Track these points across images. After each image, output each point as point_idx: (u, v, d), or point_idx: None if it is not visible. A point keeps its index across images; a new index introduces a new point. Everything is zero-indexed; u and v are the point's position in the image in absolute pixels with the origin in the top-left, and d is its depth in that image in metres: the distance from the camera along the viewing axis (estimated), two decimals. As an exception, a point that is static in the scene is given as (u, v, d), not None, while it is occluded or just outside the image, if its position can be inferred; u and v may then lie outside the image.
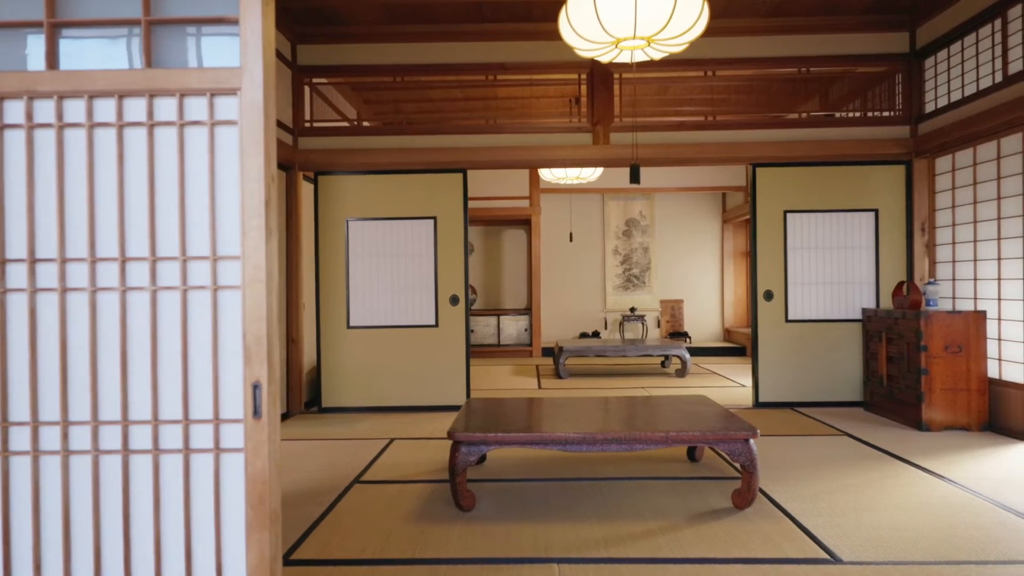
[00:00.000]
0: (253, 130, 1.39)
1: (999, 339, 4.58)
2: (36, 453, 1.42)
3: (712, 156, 5.57)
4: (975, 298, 4.83)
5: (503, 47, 5.64)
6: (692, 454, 3.93)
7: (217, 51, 1.45)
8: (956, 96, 5.03)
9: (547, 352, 9.71)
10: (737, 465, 3.70)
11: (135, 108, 1.44)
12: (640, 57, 3.73)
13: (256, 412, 1.40)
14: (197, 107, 1.44)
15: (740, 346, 9.60)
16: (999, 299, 4.58)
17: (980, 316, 4.61)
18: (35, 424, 1.42)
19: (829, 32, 5.54)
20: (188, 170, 1.44)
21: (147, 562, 1.44)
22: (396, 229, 5.66)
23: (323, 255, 5.66)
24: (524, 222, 10.32)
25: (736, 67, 5.62)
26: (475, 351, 9.77)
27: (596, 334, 10.17)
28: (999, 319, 4.58)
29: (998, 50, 4.58)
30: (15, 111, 1.41)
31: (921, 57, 5.43)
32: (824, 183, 5.59)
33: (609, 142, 5.62)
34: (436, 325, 5.67)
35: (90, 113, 1.43)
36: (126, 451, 1.43)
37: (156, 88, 1.41)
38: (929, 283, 4.90)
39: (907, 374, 4.79)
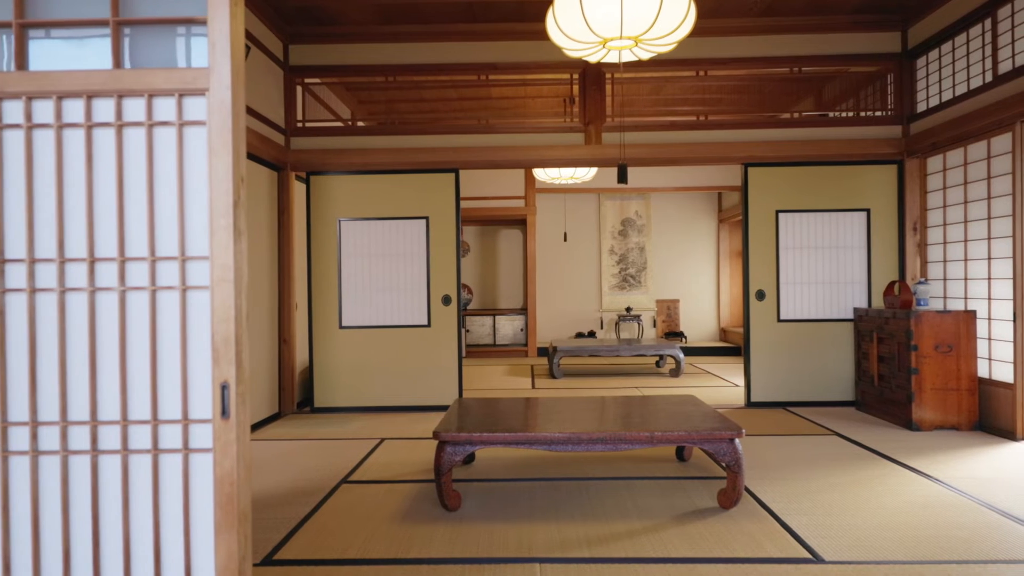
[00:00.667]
0: (221, 130, 1.39)
1: (989, 339, 4.58)
2: (5, 453, 1.42)
3: (704, 156, 5.58)
4: (965, 297, 4.84)
5: (495, 47, 5.64)
6: (681, 454, 3.93)
7: (186, 52, 1.45)
8: (947, 96, 5.03)
9: (542, 352, 9.71)
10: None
11: (104, 109, 1.44)
12: (628, 57, 3.74)
13: (224, 412, 1.40)
14: (166, 107, 1.44)
15: (736, 346, 9.60)
16: (989, 299, 4.58)
17: (970, 316, 4.61)
18: (3, 424, 1.42)
19: (821, 32, 5.54)
20: (157, 170, 1.44)
21: (116, 562, 1.44)
22: (388, 229, 5.67)
23: (315, 255, 5.66)
24: (520, 222, 10.33)
25: (728, 67, 5.63)
26: (471, 351, 9.78)
27: (592, 334, 10.17)
28: (989, 318, 4.58)
29: (988, 50, 4.58)
30: (-16, 112, 1.41)
31: (913, 57, 5.43)
32: (816, 183, 5.59)
33: (601, 142, 5.62)
34: (428, 325, 5.67)
35: (59, 114, 1.43)
36: (95, 451, 1.43)
37: (124, 89, 1.42)
38: (919, 283, 4.90)
39: (898, 373, 4.79)
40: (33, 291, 1.43)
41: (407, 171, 5.66)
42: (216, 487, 1.41)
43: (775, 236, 5.59)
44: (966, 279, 4.83)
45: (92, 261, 1.43)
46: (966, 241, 4.82)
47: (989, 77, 4.56)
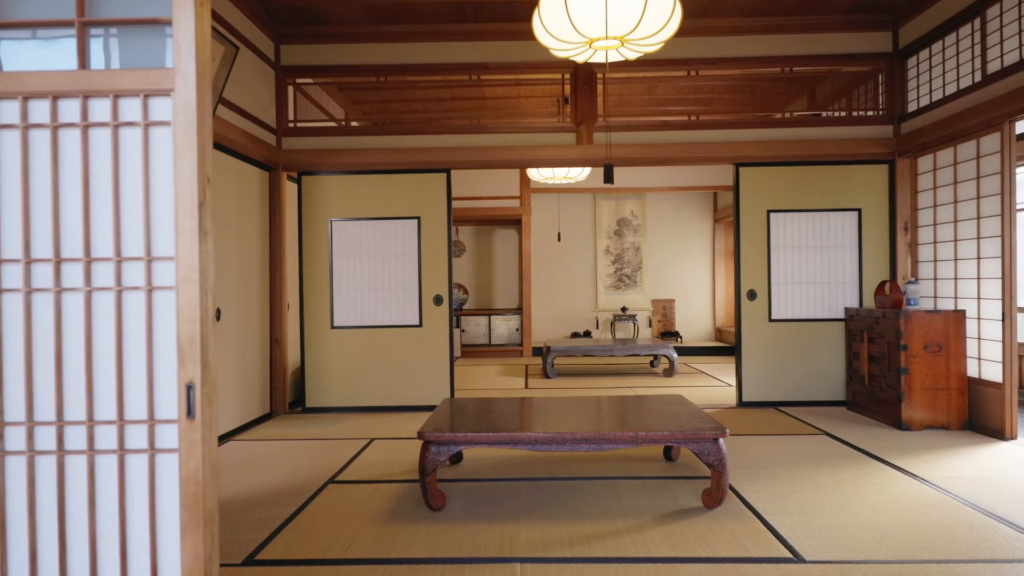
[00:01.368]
0: (186, 131, 1.39)
1: (979, 338, 4.58)
2: (-29, 454, 1.42)
3: (696, 156, 5.58)
4: (955, 297, 4.84)
5: (486, 47, 5.64)
6: (668, 453, 3.93)
7: (152, 52, 1.45)
8: (938, 96, 5.03)
9: (538, 352, 9.71)
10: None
11: (70, 109, 1.44)
12: (615, 57, 3.74)
13: (190, 413, 1.40)
14: (131, 108, 1.44)
15: (731, 345, 9.60)
16: (978, 298, 4.58)
17: (959, 315, 4.61)
18: (-31, 425, 1.42)
19: (813, 32, 5.54)
20: (123, 171, 1.45)
21: (83, 562, 1.44)
22: (380, 229, 5.67)
23: (307, 255, 5.67)
24: (515, 222, 10.33)
25: (720, 67, 5.63)
26: (466, 351, 9.78)
27: (588, 334, 10.17)
28: (979, 318, 4.58)
29: (977, 49, 4.58)
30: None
31: (904, 57, 5.43)
32: (808, 182, 5.59)
33: (592, 142, 5.62)
34: (420, 325, 5.67)
35: (24, 114, 1.43)
36: (61, 452, 1.43)
37: (89, 89, 1.42)
38: (909, 282, 4.90)
39: (888, 373, 4.79)
40: (-1, 292, 1.43)
41: (399, 171, 5.66)
42: (182, 487, 1.41)
43: (766, 236, 5.59)
44: (956, 279, 4.83)
45: (58, 262, 1.43)
46: (956, 241, 4.82)
47: (978, 77, 4.56)
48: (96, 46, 1.46)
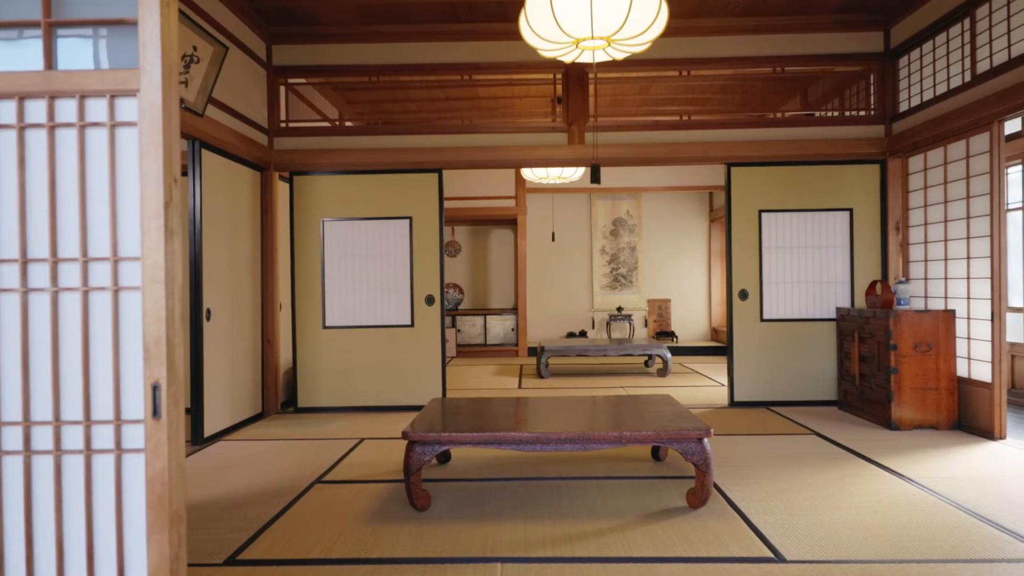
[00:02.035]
0: (152, 131, 1.40)
1: (968, 338, 4.58)
2: (-62, 454, 1.43)
3: (687, 156, 5.58)
4: (946, 297, 4.84)
5: (478, 47, 5.65)
6: (656, 453, 3.93)
7: (120, 53, 1.45)
8: (928, 96, 5.03)
9: (533, 352, 9.71)
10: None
11: (36, 110, 1.44)
12: (602, 57, 3.74)
13: (156, 413, 1.40)
14: (98, 109, 1.44)
15: (726, 345, 9.59)
16: (968, 298, 4.58)
17: (949, 315, 4.61)
18: (-64, 425, 1.42)
19: (804, 31, 5.54)
20: (90, 171, 1.45)
21: (50, 562, 1.44)
22: (372, 229, 5.67)
23: (299, 255, 5.67)
24: (511, 222, 10.33)
25: (712, 67, 5.63)
26: (461, 351, 9.78)
27: (583, 334, 10.17)
28: (968, 318, 4.58)
29: (967, 49, 4.58)
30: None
31: (895, 56, 5.43)
32: (799, 182, 5.59)
33: (584, 142, 5.62)
34: (412, 325, 5.67)
35: (-9, 115, 1.43)
36: (28, 452, 1.44)
37: (56, 90, 1.42)
38: (900, 282, 4.89)
39: (878, 373, 4.79)
40: (-33, 292, 1.43)
41: (391, 171, 5.67)
42: (148, 487, 1.41)
43: (758, 236, 5.59)
44: (946, 278, 4.83)
45: (24, 262, 1.44)
46: (946, 240, 4.82)
47: (968, 77, 4.56)
48: (63, 46, 1.46)
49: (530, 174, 7.96)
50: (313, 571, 2.50)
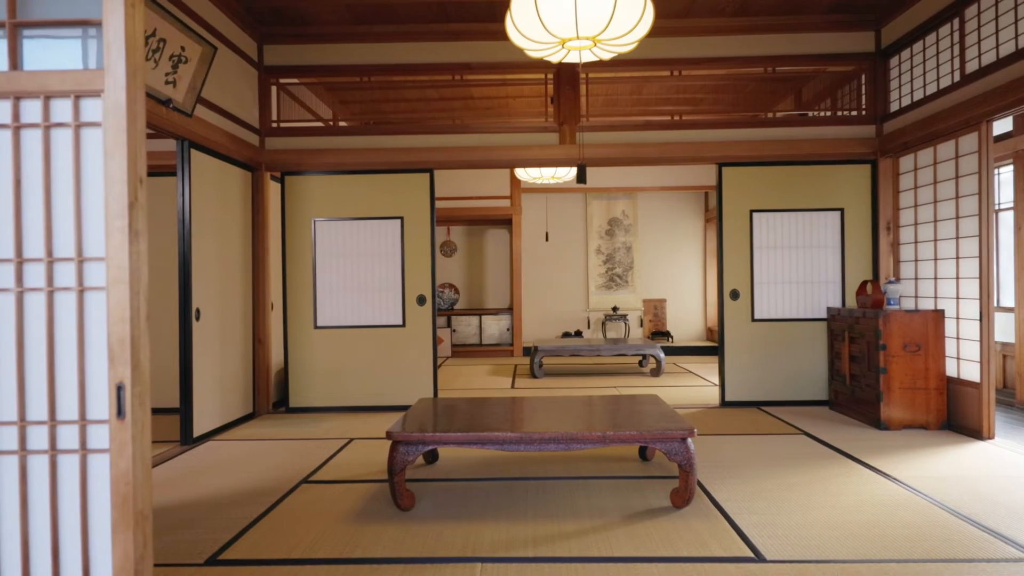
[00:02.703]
0: (116, 131, 1.40)
1: (957, 338, 4.58)
2: (-97, 454, 1.43)
3: (679, 156, 5.58)
4: (935, 297, 4.84)
5: (469, 47, 5.65)
6: (644, 453, 3.93)
7: (84, 53, 1.46)
8: (919, 95, 5.03)
9: (528, 352, 9.71)
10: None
11: (1, 110, 1.44)
12: (589, 57, 3.74)
13: (120, 413, 1.41)
14: (63, 109, 1.44)
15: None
16: (957, 298, 4.58)
17: (938, 315, 4.61)
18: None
19: (795, 31, 5.54)
20: (55, 171, 1.45)
21: (15, 562, 1.44)
22: (363, 229, 5.67)
23: (290, 255, 5.67)
24: (506, 222, 10.33)
25: (703, 67, 5.63)
26: (457, 351, 9.79)
27: (579, 333, 10.17)
28: (957, 318, 4.58)
29: (956, 49, 4.58)
30: None
31: (886, 56, 5.43)
32: (791, 182, 5.59)
33: (576, 142, 5.62)
34: (403, 325, 5.67)
35: (-44, 115, 1.43)
36: (-7, 452, 1.44)
37: (20, 90, 1.42)
38: (890, 282, 4.90)
39: (868, 373, 4.79)
40: (-68, 292, 1.44)
41: (382, 171, 5.67)
42: (112, 488, 1.41)
43: (749, 236, 5.59)
44: (936, 278, 4.83)
45: (-10, 262, 1.44)
46: (935, 240, 4.82)
47: (957, 77, 4.56)
48: (29, 47, 1.46)
49: (524, 174, 7.95)
50: (293, 571, 2.50)
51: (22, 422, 1.44)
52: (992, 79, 4.19)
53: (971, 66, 4.43)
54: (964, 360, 4.52)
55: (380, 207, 5.67)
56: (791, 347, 5.57)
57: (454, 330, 9.93)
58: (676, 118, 5.78)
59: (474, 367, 8.50)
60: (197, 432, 4.59)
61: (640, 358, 8.17)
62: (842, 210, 5.56)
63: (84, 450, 1.44)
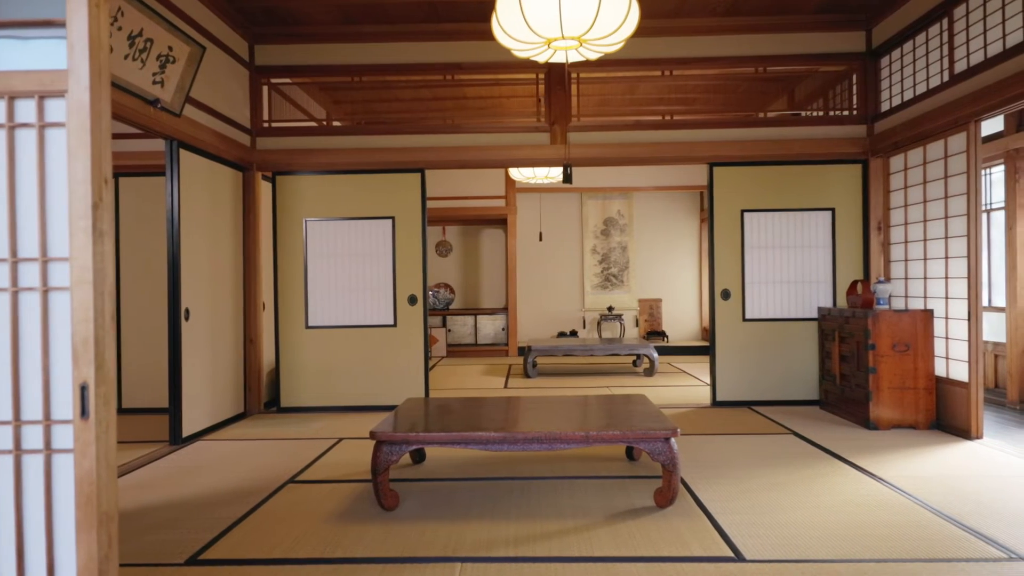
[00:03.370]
0: (80, 132, 1.40)
1: (946, 337, 4.58)
2: None
3: (670, 156, 5.58)
4: (925, 296, 4.84)
5: (460, 47, 5.65)
6: (630, 453, 3.94)
7: (50, 53, 1.46)
8: (908, 95, 5.03)
9: (523, 352, 9.70)
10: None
11: (-34, 111, 1.45)
12: (575, 57, 3.74)
13: (84, 413, 1.41)
14: (27, 109, 1.45)
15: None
16: (946, 297, 4.58)
17: (927, 315, 4.61)
18: None
19: (786, 31, 5.54)
20: (19, 172, 1.45)
21: (-20, 562, 1.45)
22: (354, 229, 5.68)
23: (281, 255, 5.67)
24: (501, 221, 10.33)
25: (694, 66, 5.63)
26: (452, 350, 9.79)
27: (574, 333, 10.17)
28: (946, 317, 4.58)
29: (945, 49, 4.58)
30: None
31: (877, 56, 5.43)
32: (782, 182, 5.59)
33: (567, 142, 5.62)
34: (394, 325, 5.68)
35: (-79, 116, 1.44)
36: (-42, 452, 1.44)
37: (-16, 91, 1.42)
38: (879, 282, 4.89)
39: (857, 373, 4.79)
40: (-103, 292, 1.44)
41: (373, 171, 5.67)
42: (76, 487, 1.41)
43: (740, 235, 5.59)
44: (925, 278, 4.83)
45: (-46, 263, 1.44)
46: (925, 240, 4.82)
47: (946, 76, 4.56)
48: (-6, 48, 1.46)
49: (518, 174, 7.96)
50: (273, 571, 2.50)
51: (-13, 422, 1.44)
52: (980, 79, 4.19)
53: (960, 66, 4.42)
54: (953, 360, 4.52)
55: (371, 207, 5.67)
56: (782, 347, 5.57)
57: (449, 330, 9.94)
58: (667, 118, 5.78)
59: (469, 367, 8.50)
60: (186, 432, 4.59)
61: (634, 358, 8.17)
62: (833, 210, 5.56)
63: (49, 450, 1.45)
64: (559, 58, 3.75)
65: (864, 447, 4.15)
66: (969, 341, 4.32)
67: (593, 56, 3.73)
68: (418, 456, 3.96)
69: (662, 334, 10.06)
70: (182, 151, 4.54)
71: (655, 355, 7.32)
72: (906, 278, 5.09)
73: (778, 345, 5.58)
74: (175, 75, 4.22)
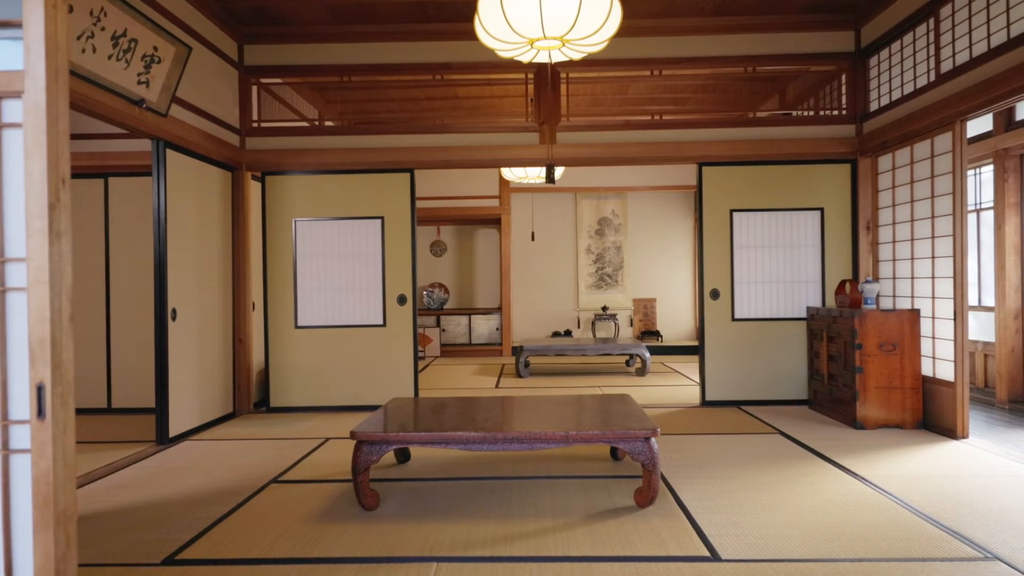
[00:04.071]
0: (36, 132, 1.40)
1: (933, 337, 4.58)
2: None
3: (659, 155, 5.58)
4: (912, 296, 4.84)
5: (450, 47, 5.65)
6: (615, 453, 3.94)
7: (7, 54, 1.46)
8: (896, 95, 5.03)
9: (516, 351, 9.71)
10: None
11: (-76, 111, 1.45)
12: (559, 57, 3.74)
13: (41, 413, 1.41)
14: (-14, 110, 1.45)
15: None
16: (933, 297, 4.58)
17: (914, 314, 4.61)
18: None
19: (775, 31, 5.54)
20: (-23, 173, 1.45)
21: (-62, 562, 1.45)
22: (344, 229, 5.68)
23: (271, 255, 5.67)
24: (495, 221, 10.33)
25: (683, 66, 5.63)
26: (446, 350, 9.79)
27: (568, 333, 10.18)
28: (933, 317, 4.58)
29: (932, 49, 4.58)
30: None
31: (866, 56, 5.43)
32: (771, 182, 5.59)
33: (556, 142, 5.62)
34: (384, 325, 5.68)
35: None
36: (-84, 452, 1.44)
37: (-59, 91, 1.42)
38: (866, 281, 4.89)
39: (845, 372, 4.79)
40: None
41: (363, 171, 5.67)
42: (33, 488, 1.41)
43: (730, 235, 5.59)
44: (912, 278, 4.83)
45: (-88, 263, 1.44)
46: (912, 240, 4.82)
47: (933, 76, 4.56)
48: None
49: (511, 174, 7.96)
50: (249, 571, 2.51)
51: (-56, 422, 1.44)
52: (965, 79, 4.19)
53: (946, 65, 4.42)
54: (939, 359, 4.52)
55: (361, 207, 5.67)
56: (771, 347, 5.57)
57: (443, 330, 9.94)
58: (656, 118, 5.78)
59: (461, 367, 8.50)
60: (173, 432, 4.60)
61: (627, 357, 8.17)
62: (822, 209, 5.56)
63: (6, 450, 1.45)
64: (543, 58, 3.75)
65: (849, 447, 4.14)
66: (955, 340, 4.32)
67: (576, 56, 3.73)
68: (403, 456, 3.96)
69: (656, 334, 10.06)
70: (169, 151, 4.54)
71: (647, 355, 7.32)
72: (894, 278, 5.09)
73: (767, 345, 5.58)
74: (161, 75, 4.22)
